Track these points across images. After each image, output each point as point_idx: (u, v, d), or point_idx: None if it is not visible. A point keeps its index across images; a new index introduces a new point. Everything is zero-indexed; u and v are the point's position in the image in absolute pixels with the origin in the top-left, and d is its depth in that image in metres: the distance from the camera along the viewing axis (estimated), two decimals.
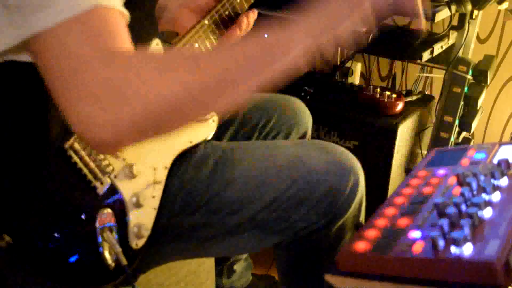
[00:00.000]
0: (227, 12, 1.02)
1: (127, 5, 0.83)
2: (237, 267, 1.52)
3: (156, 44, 0.89)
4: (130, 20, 0.84)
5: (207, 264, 1.31)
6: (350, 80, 2.16)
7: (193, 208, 0.92)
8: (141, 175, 0.85)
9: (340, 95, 1.81)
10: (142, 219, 0.85)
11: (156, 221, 0.88)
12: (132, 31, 0.85)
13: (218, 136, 1.17)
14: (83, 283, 0.79)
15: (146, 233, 0.85)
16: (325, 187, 0.94)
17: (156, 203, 0.87)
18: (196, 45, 0.96)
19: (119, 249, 0.78)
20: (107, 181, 0.80)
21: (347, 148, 1.05)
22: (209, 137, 1.00)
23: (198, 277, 1.28)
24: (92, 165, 0.78)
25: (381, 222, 0.70)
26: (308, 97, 1.78)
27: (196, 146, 0.97)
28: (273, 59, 0.67)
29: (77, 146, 0.76)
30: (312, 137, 1.45)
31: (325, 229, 0.97)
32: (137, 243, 0.84)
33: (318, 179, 0.94)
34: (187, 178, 0.92)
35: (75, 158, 0.76)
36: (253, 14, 1.04)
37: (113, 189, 0.81)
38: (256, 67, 0.65)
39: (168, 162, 0.90)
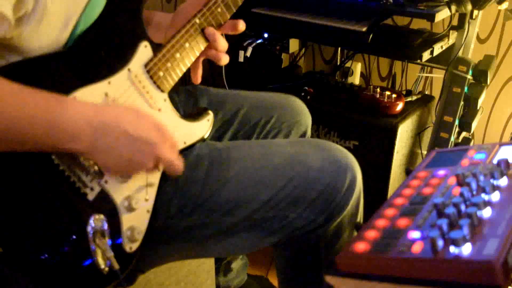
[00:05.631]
0: (219, 9, 1.00)
1: (108, 7, 0.83)
2: (234, 265, 1.52)
3: (144, 46, 0.88)
4: (114, 23, 0.85)
5: (207, 264, 1.31)
6: (350, 80, 2.16)
7: (190, 209, 0.92)
8: (133, 178, 0.84)
9: (340, 95, 1.81)
10: (135, 222, 0.84)
11: (152, 223, 0.87)
12: (116, 33, 0.85)
13: (218, 135, 1.17)
14: None
15: (140, 236, 0.85)
16: (321, 185, 0.94)
17: (149, 206, 0.87)
18: (187, 44, 0.95)
19: (111, 254, 0.78)
20: (98, 187, 0.80)
21: (347, 148, 1.06)
22: (205, 137, 0.99)
23: (198, 277, 1.28)
24: (81, 172, 0.78)
25: (380, 222, 0.70)
26: (308, 97, 1.78)
27: (191, 146, 0.96)
28: (45, 138, 0.71)
29: (64, 155, 0.76)
30: (312, 137, 1.45)
31: (322, 228, 0.97)
32: (131, 246, 0.84)
33: (315, 177, 0.94)
34: (182, 179, 0.92)
35: (63, 166, 0.76)
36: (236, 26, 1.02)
37: (104, 194, 0.81)
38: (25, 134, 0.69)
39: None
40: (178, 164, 0.84)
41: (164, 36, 1.04)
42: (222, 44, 0.99)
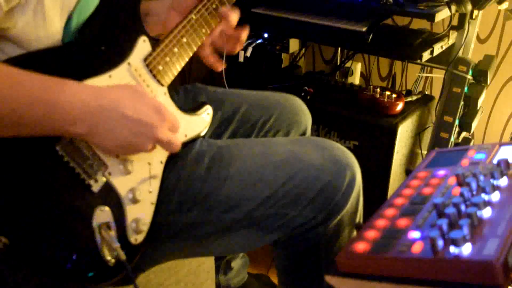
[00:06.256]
0: (214, 6, 1.02)
1: (105, 2, 0.84)
2: (235, 264, 1.52)
3: (143, 41, 0.90)
4: (113, 18, 0.86)
5: (207, 264, 1.31)
6: (350, 80, 2.16)
7: (190, 206, 0.92)
8: (136, 170, 0.85)
9: (340, 95, 1.81)
10: (139, 214, 0.85)
11: (153, 218, 0.88)
12: (115, 28, 0.86)
13: (217, 134, 1.17)
14: (84, 281, 0.79)
15: (145, 227, 0.85)
16: (321, 183, 0.94)
17: (153, 197, 0.88)
18: (184, 40, 0.96)
19: (117, 245, 0.78)
20: (102, 179, 0.81)
21: (347, 148, 1.06)
22: (205, 131, 1.00)
23: (198, 277, 1.28)
24: (85, 164, 0.78)
25: (381, 222, 0.70)
26: (308, 97, 1.78)
27: (192, 142, 0.97)
28: (42, 118, 0.71)
29: (68, 146, 0.77)
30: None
31: (322, 226, 0.97)
32: (136, 238, 0.85)
33: (315, 175, 0.95)
34: (183, 176, 0.92)
35: (67, 158, 0.77)
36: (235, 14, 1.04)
37: (108, 186, 0.81)
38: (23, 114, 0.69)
39: (163, 157, 0.90)
40: (176, 143, 0.84)
41: (163, 27, 1.05)
42: (234, 17, 1.02)
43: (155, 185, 0.88)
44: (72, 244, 0.77)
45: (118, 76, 0.84)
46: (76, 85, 0.75)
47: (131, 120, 0.77)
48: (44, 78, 0.72)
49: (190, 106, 1.03)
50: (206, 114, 1.01)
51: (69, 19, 0.81)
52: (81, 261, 0.77)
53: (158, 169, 0.89)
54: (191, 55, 0.98)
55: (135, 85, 0.82)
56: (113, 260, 0.79)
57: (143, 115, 0.78)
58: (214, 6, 1.01)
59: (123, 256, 0.78)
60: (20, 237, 0.72)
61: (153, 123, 0.79)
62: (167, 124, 0.81)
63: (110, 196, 0.82)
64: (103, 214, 0.79)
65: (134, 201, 0.84)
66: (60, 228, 0.76)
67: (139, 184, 0.86)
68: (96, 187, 0.80)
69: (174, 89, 1.18)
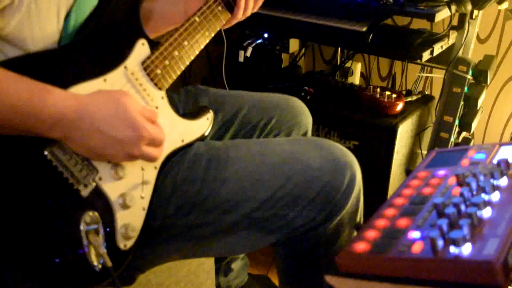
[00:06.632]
0: (219, 7, 1.01)
1: (103, 3, 0.84)
2: (235, 265, 1.51)
3: (142, 44, 0.89)
4: (111, 20, 0.85)
5: (207, 264, 1.31)
6: (350, 80, 2.16)
7: (188, 208, 0.92)
8: (128, 176, 0.84)
9: (340, 95, 1.81)
10: (129, 220, 0.84)
11: (150, 222, 0.87)
12: (113, 31, 0.86)
13: (218, 136, 1.17)
14: (70, 285, 0.79)
15: (134, 233, 0.85)
16: (321, 183, 0.94)
17: (145, 203, 0.87)
18: (186, 43, 0.95)
19: (103, 251, 0.78)
20: (92, 184, 0.80)
21: (347, 148, 1.06)
22: (205, 135, 0.99)
23: (198, 277, 1.28)
24: (74, 169, 0.78)
25: (380, 222, 0.70)
26: (308, 97, 1.78)
27: (190, 145, 0.96)
28: (16, 120, 0.72)
29: (57, 151, 0.77)
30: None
31: (322, 226, 0.97)
32: (126, 244, 0.84)
33: (314, 175, 0.94)
34: (180, 178, 0.92)
35: (55, 163, 0.76)
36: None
37: (98, 191, 0.81)
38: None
39: (158, 162, 0.90)
40: (152, 157, 0.84)
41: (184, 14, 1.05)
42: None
43: (148, 190, 0.88)
44: (59, 248, 0.77)
45: (113, 80, 0.83)
46: (59, 95, 0.75)
47: (104, 134, 0.78)
48: (30, 86, 0.72)
49: (190, 109, 1.02)
50: (206, 119, 1.00)
51: (67, 19, 0.81)
52: (68, 265, 0.77)
53: (151, 175, 0.88)
54: (193, 58, 0.97)
55: (122, 94, 0.81)
56: (99, 266, 0.79)
57: (117, 132, 0.78)
58: (219, 8, 1.00)
59: (109, 263, 0.78)
60: (6, 240, 0.73)
61: (125, 140, 0.79)
62: (144, 140, 0.81)
63: (100, 201, 0.81)
64: (91, 219, 0.79)
65: (125, 206, 0.83)
66: (47, 232, 0.76)
67: (130, 189, 0.85)
68: (85, 192, 0.79)
69: (176, 91, 1.17)
